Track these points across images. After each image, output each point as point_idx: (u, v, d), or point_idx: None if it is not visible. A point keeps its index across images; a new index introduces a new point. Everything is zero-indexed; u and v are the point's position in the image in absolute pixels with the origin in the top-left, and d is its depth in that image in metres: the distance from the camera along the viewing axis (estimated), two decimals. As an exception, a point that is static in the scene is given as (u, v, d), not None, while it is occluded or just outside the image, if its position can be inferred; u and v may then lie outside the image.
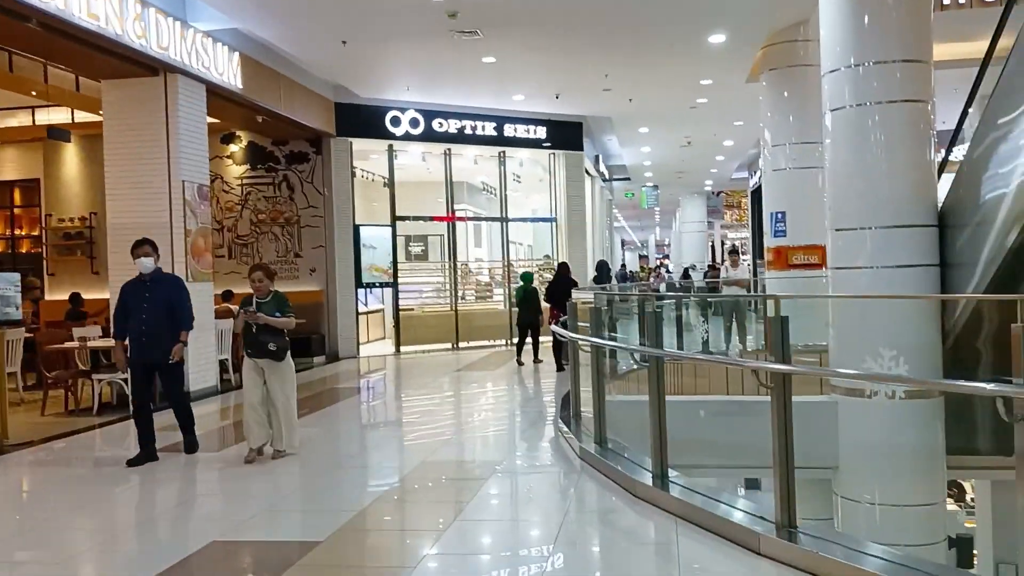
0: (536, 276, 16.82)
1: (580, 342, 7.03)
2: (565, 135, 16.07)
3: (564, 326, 8.94)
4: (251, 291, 6.68)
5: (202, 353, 9.86)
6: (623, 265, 41.20)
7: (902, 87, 7.88)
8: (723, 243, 42.92)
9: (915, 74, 7.89)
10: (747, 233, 51.71)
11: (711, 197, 33.10)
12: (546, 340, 12.68)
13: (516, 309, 13.15)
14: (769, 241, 12.87)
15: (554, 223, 16.54)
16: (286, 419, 6.35)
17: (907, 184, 7.91)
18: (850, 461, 8.25)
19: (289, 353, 6.62)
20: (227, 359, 10.72)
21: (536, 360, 12.66)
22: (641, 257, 63.93)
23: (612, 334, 7.23)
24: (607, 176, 22.68)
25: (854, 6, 7.99)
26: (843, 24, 8.14)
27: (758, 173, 23.81)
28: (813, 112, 12.71)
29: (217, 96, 10.53)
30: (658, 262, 54.19)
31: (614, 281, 17.33)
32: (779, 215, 12.63)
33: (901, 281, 7.96)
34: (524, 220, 17.05)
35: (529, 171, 17.50)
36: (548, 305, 12.34)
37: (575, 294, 9.10)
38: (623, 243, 55.18)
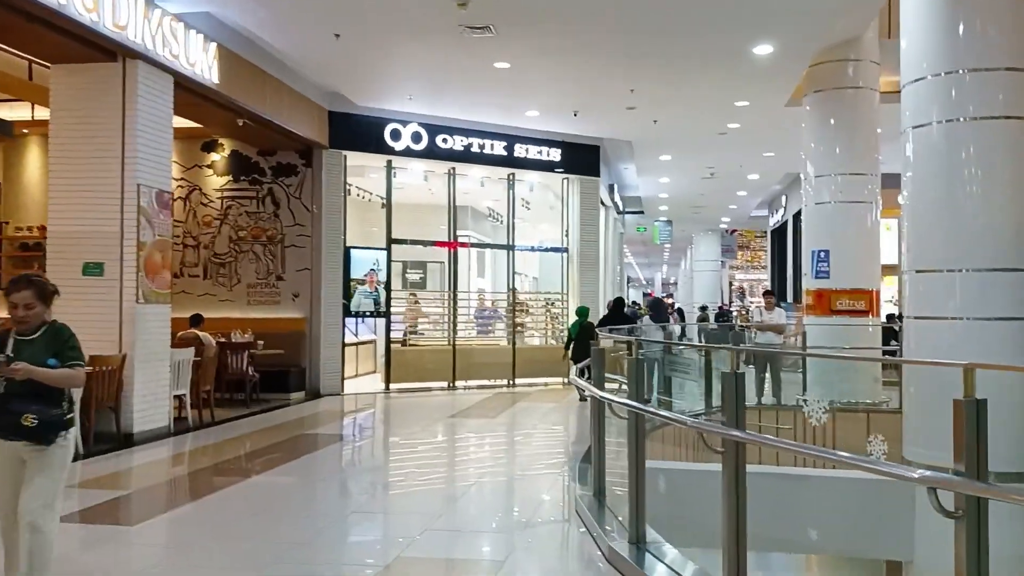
0: (545, 312, 15.39)
1: (611, 403, 5.54)
2: (580, 159, 14.69)
3: (583, 374, 7.52)
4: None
5: (151, 387, 8.37)
6: (634, 303, 39.66)
7: (1005, 100, 6.49)
8: (731, 284, 41.48)
9: (1022, 85, 6.51)
10: (758, 275, 50.42)
11: (724, 236, 31.73)
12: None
13: (571, 344, 12.29)
14: (809, 282, 11.42)
15: (565, 254, 15.11)
16: (36, 545, 3.48)
17: (1008, 217, 6.49)
18: (928, 556, 6.74)
19: (70, 433, 3.68)
20: (184, 394, 9.22)
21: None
22: (645, 295, 62.46)
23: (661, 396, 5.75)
24: (621, 207, 21.30)
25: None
26: (933, 23, 6.77)
27: (780, 211, 22.47)
28: (862, 140, 11.41)
29: (188, 91, 9.16)
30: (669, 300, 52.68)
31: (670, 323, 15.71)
32: (822, 254, 11.20)
33: (998, 337, 6.52)
34: (533, 250, 15.60)
35: (539, 197, 16.11)
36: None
37: (602, 336, 7.64)
38: (628, 280, 53.80)
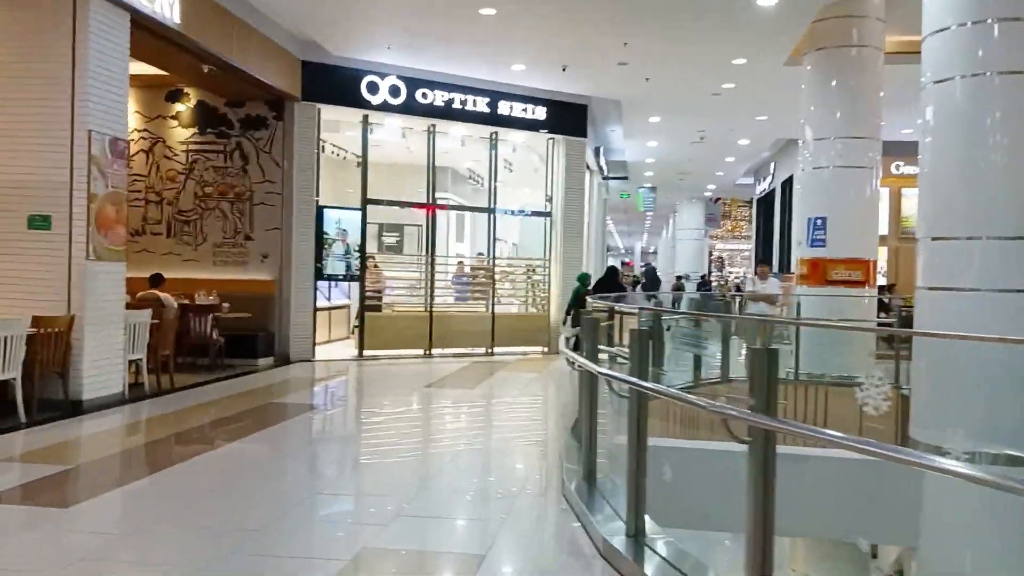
0: (526, 279, 14.84)
1: (606, 378, 5.00)
2: (567, 119, 14.05)
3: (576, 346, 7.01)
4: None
5: (103, 352, 7.74)
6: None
7: (1038, 53, 5.96)
8: (710, 254, 41.11)
9: (1058, 37, 5.97)
10: (738, 245, 50.07)
11: (709, 204, 31.25)
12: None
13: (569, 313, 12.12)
14: (803, 251, 10.94)
15: (548, 219, 14.52)
16: None
17: (1037, 182, 5.99)
18: (935, 543, 6.33)
19: None
20: (141, 359, 8.59)
21: None
22: (624, 263, 62.05)
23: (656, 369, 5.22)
24: (605, 172, 20.69)
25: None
26: (961, -33, 6.21)
27: (767, 179, 21.98)
28: (864, 102, 10.84)
29: (148, 32, 8.43)
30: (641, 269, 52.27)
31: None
32: (818, 221, 10.71)
33: (1017, 310, 6.05)
34: (515, 213, 14.98)
35: (523, 158, 15.45)
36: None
37: (590, 302, 7.11)
38: (607, 248, 53.22)
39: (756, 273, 11.10)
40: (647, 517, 4.03)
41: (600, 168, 19.03)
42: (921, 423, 6.60)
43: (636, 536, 3.92)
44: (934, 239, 6.30)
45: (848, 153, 10.54)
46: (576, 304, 12.08)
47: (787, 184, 19.66)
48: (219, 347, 10.56)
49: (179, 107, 12.04)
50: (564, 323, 12.29)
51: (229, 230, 11.94)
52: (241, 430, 7.13)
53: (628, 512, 3.99)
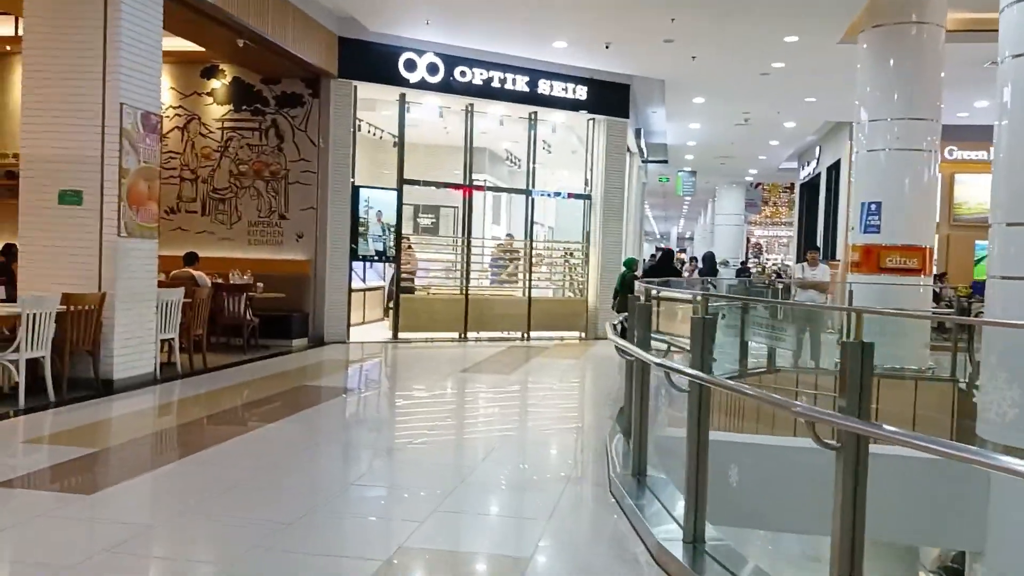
0: (564, 266, 14.52)
1: (659, 367, 4.68)
2: (609, 98, 13.65)
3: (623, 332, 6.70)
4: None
5: (134, 330, 7.58)
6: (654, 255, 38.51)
7: None
8: (747, 240, 40.33)
9: None
10: (777, 232, 49.13)
11: (749, 189, 30.60)
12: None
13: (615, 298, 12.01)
14: (856, 237, 10.48)
15: (587, 201, 14.15)
16: None
17: None
18: (1004, 549, 5.95)
19: None
20: (173, 339, 8.44)
21: None
22: (658, 249, 61.22)
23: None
24: (645, 155, 20.25)
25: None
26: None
27: (812, 164, 21.36)
28: (924, 83, 10.28)
29: (182, 4, 8.22)
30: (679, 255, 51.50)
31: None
32: (873, 206, 10.23)
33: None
34: (555, 195, 14.62)
35: (562, 139, 15.11)
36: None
37: (640, 287, 6.78)
38: (643, 233, 52.50)
39: (805, 260, 10.65)
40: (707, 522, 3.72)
41: (640, 150, 18.61)
42: (989, 420, 6.20)
43: (695, 543, 3.61)
44: (1010, 225, 5.88)
45: (906, 135, 10.04)
46: (623, 289, 11.90)
47: (833, 169, 19.08)
48: (253, 327, 10.41)
49: (214, 84, 11.86)
50: (614, 307, 12.15)
51: (264, 209, 11.76)
52: (273, 413, 6.93)
53: (686, 517, 3.68)
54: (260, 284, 10.72)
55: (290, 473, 5.11)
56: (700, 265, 13.02)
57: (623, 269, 12.48)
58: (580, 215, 15.43)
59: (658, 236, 62.40)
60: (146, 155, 7.66)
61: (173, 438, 6.12)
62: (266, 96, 11.76)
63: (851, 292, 10.19)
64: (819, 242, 20.24)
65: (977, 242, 16.34)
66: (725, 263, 28.12)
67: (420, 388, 8.80)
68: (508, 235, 15.54)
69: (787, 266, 11.10)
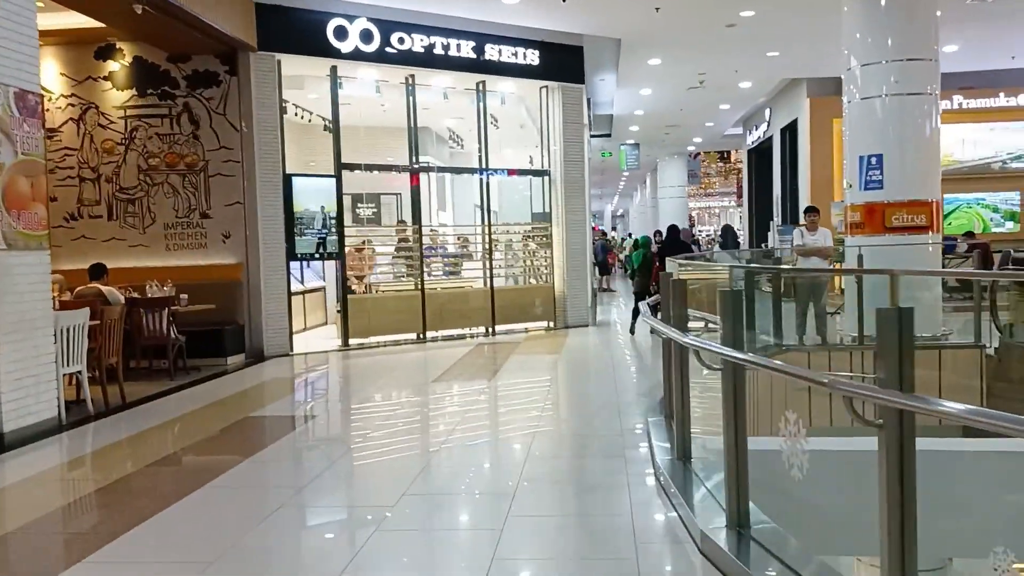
0: (523, 251, 13.25)
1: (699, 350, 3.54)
2: (563, 63, 12.38)
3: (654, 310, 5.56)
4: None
5: (26, 367, 5.99)
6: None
7: None
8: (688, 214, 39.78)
9: None
10: (708, 203, 48.85)
11: (690, 160, 29.79)
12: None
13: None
14: (855, 195, 9.46)
15: (545, 178, 12.88)
16: None
17: None
18: None
19: None
20: (80, 371, 6.85)
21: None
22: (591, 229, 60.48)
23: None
24: (591, 128, 19.08)
25: None
26: None
27: (762, 127, 20.51)
28: (920, 21, 9.40)
29: (59, -43, 6.60)
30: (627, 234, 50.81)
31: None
32: (874, 160, 9.22)
33: None
34: (510, 173, 13.29)
35: (511, 113, 13.80)
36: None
37: (673, 263, 5.60)
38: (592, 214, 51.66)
39: (804, 224, 9.58)
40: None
41: (589, 122, 17.41)
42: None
43: (739, 528, 3.21)
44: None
45: (904, 77, 9.04)
46: (640, 268, 11.81)
47: (788, 130, 18.24)
48: (179, 347, 8.84)
49: (112, 65, 10.15)
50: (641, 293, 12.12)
51: (182, 208, 10.14)
52: (212, 463, 5.44)
53: (728, 500, 2.95)
54: (184, 296, 9.13)
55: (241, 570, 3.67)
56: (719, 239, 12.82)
57: (637, 248, 12.34)
58: (528, 194, 14.18)
59: (592, 215, 61.70)
60: (25, 145, 6.06)
61: (77, 520, 4.58)
62: (175, 76, 10.12)
63: (860, 256, 9.16)
64: (776, 208, 19.43)
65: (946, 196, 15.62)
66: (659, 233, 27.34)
67: (391, 408, 7.37)
68: (487, 222, 14.18)
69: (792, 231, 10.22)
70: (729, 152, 32.67)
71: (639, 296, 11.76)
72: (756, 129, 21.37)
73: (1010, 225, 16.00)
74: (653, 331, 5.15)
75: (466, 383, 8.39)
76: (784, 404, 7.06)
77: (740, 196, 34.73)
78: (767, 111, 19.69)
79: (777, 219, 19.00)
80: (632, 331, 11.62)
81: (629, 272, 12.28)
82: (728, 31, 11.99)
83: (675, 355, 4.48)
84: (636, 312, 11.53)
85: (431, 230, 13.33)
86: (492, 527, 3.89)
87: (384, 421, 6.60)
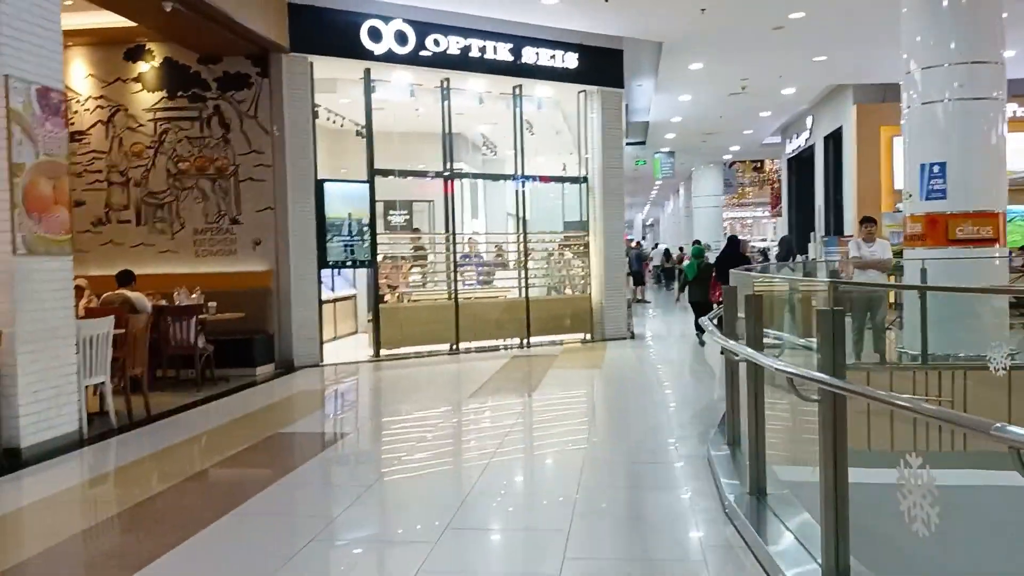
0: (560, 260, 12.85)
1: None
2: (601, 67, 11.98)
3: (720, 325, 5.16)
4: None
5: (47, 379, 5.69)
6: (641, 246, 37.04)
7: None
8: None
9: None
10: (743, 213, 48.04)
11: (726, 169, 29.24)
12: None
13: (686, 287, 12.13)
14: (915, 205, 8.95)
15: (583, 185, 12.47)
16: None
17: None
18: None
19: None
20: (104, 382, 6.55)
21: (704, 341, 11.26)
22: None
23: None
24: (626, 135, 18.64)
25: None
26: None
27: (803, 135, 19.95)
28: (985, 22, 8.92)
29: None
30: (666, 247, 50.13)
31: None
32: (936, 168, 8.72)
33: None
34: (553, 180, 12.92)
35: (546, 118, 13.43)
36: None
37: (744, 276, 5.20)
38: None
39: (861, 235, 9.08)
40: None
41: (624, 129, 16.99)
42: None
43: None
44: None
45: (970, 82, 8.54)
46: (696, 279, 11.68)
47: (832, 139, 17.69)
48: (207, 356, 8.53)
49: (142, 67, 9.92)
50: (676, 300, 12.60)
51: (212, 213, 9.87)
52: (236, 489, 5.05)
53: (826, 557, 2.24)
54: (213, 303, 8.84)
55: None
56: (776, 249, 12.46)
57: (692, 260, 12.11)
58: (560, 202, 13.81)
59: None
60: (47, 145, 5.77)
61: (94, 548, 4.23)
62: (205, 78, 9.86)
63: (924, 270, 8.64)
64: (819, 220, 18.86)
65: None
66: (707, 247, 26.75)
67: (425, 427, 6.98)
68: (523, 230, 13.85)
69: (850, 243, 9.77)
70: (762, 161, 32.07)
71: (696, 307, 11.63)
72: (796, 137, 20.81)
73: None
74: (724, 351, 4.69)
75: (504, 400, 7.99)
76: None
77: (774, 207, 34.12)
78: (809, 119, 19.15)
79: (820, 230, 18.43)
80: (701, 343, 11.46)
81: (680, 283, 12.05)
82: (775, 34, 11.54)
83: (749, 378, 4.05)
84: (698, 323, 11.43)
85: (469, 238, 12.99)
86: (547, 572, 3.48)
87: (419, 442, 6.21)
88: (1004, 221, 8.96)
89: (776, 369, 3.63)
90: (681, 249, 27.61)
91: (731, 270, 9.41)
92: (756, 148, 24.49)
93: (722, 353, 5.10)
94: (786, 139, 21.99)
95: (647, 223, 61.21)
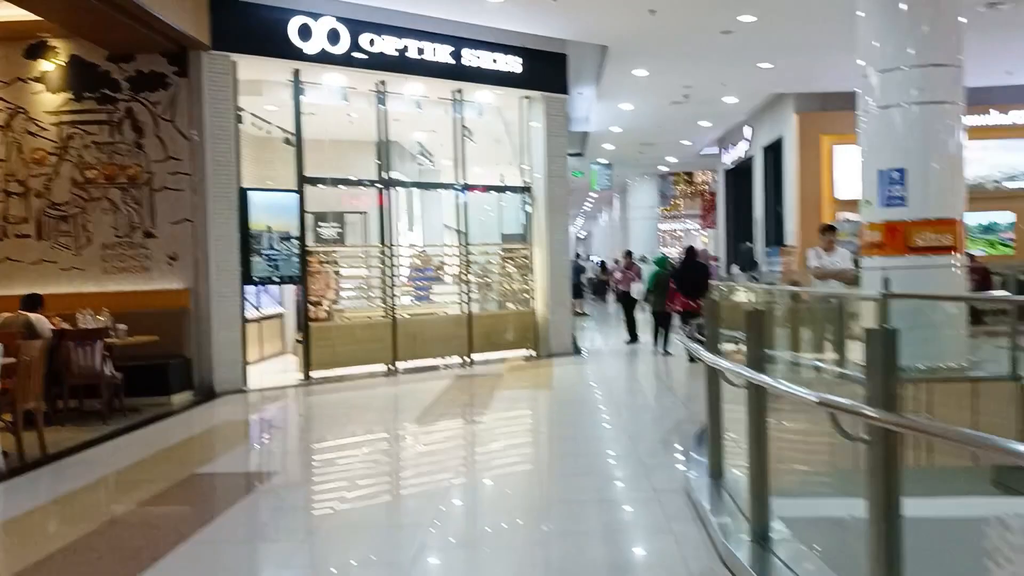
0: (500, 269, 12.27)
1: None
2: (545, 71, 11.48)
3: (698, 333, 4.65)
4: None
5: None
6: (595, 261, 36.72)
7: None
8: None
9: None
10: (673, 225, 48.36)
11: (661, 181, 29.15)
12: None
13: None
14: (873, 213, 8.62)
15: (525, 195, 11.91)
16: None
17: None
18: None
19: None
20: (-11, 421, 5.66)
21: (666, 352, 11.48)
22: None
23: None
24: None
25: None
26: None
27: (741, 145, 19.84)
28: (943, 20, 8.67)
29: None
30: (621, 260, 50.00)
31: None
32: (895, 174, 8.37)
33: None
34: (493, 189, 12.35)
35: (487, 126, 12.85)
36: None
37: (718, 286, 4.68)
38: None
39: (822, 245, 8.71)
40: None
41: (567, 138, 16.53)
42: None
43: None
44: None
45: (928, 84, 8.26)
46: (657, 289, 11.66)
47: (772, 148, 17.56)
48: (114, 385, 7.63)
49: (45, 65, 8.98)
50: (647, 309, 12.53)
51: (122, 226, 8.97)
52: (143, 548, 4.22)
53: None
54: (122, 326, 7.95)
55: None
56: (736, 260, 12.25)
57: (654, 268, 12.18)
58: (497, 214, 13.25)
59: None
60: (-85, 143, 4.89)
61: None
62: (116, 78, 8.98)
63: (887, 279, 8.29)
64: (758, 231, 18.71)
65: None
66: (643, 259, 26.53)
67: (367, 463, 6.24)
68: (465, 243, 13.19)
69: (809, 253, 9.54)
70: (692, 173, 32.17)
71: (656, 317, 11.81)
72: (734, 148, 20.71)
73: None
74: (710, 372, 4.16)
75: (450, 430, 7.33)
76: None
77: (706, 218, 34.22)
78: (747, 129, 19.03)
79: (760, 240, 18.27)
80: (667, 353, 11.57)
81: (645, 295, 12.38)
82: (722, 39, 11.19)
83: (751, 406, 3.50)
84: (656, 333, 11.75)
85: (419, 250, 12.32)
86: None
87: (359, 480, 5.49)
88: (962, 229, 8.72)
89: (801, 397, 3.07)
90: (617, 262, 27.37)
91: (738, 275, 8.95)
92: (693, 159, 24.37)
93: (706, 368, 4.57)
94: (723, 150, 21.89)
95: (579, 236, 61.25)
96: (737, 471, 4.43)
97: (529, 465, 5.90)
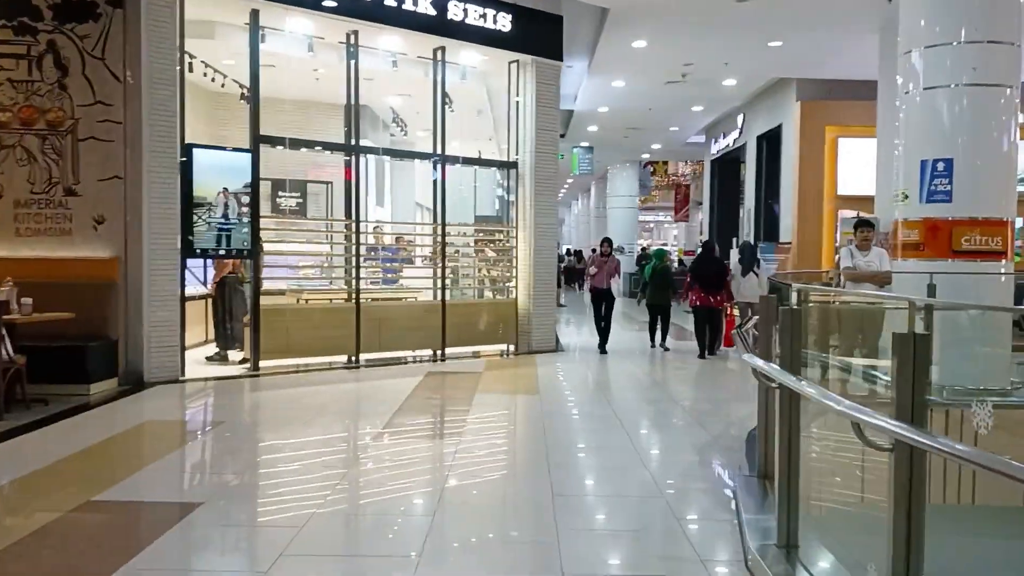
0: (478, 253, 11.09)
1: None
2: (538, 33, 10.26)
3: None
4: None
5: None
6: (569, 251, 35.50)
7: None
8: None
9: None
10: (652, 217, 47.35)
11: (642, 170, 28.08)
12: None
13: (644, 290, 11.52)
14: (911, 209, 7.55)
15: (511, 171, 10.69)
16: None
17: None
18: None
19: None
20: None
21: (664, 347, 10.91)
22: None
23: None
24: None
25: None
26: None
27: (732, 135, 18.80)
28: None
29: None
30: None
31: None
32: (940, 165, 7.28)
33: None
34: (476, 163, 11.12)
35: (469, 93, 11.62)
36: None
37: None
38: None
39: (856, 243, 7.61)
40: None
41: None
42: None
43: None
44: None
45: (985, 64, 7.19)
46: (653, 283, 10.95)
47: (768, 138, 16.52)
48: (16, 373, 6.29)
49: (-49, -15, 7.54)
50: (639, 303, 11.79)
51: (40, 180, 7.58)
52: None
53: None
54: (27, 300, 6.60)
55: None
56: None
57: (652, 260, 11.32)
58: (472, 194, 12.03)
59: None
60: None
61: None
62: (37, 5, 7.57)
63: (933, 284, 7.24)
64: (748, 225, 17.70)
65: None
66: (620, 249, 25.46)
67: (328, 481, 5.01)
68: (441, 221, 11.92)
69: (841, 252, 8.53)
70: (667, 163, 31.17)
71: (651, 311, 11.06)
72: (724, 137, 19.63)
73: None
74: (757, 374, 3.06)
75: (425, 438, 6.12)
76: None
77: (678, 211, 33.22)
78: (740, 117, 17.97)
79: (748, 235, 17.25)
80: (665, 348, 10.97)
81: (641, 287, 11.70)
82: (736, 9, 10.04)
83: (783, 409, 2.39)
84: (653, 328, 11.06)
85: (376, 227, 11.04)
86: None
87: (320, 509, 4.25)
88: (1012, 231, 7.70)
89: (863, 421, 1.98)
90: (594, 251, 26.30)
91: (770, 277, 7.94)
92: (678, 147, 23.26)
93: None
94: (711, 139, 20.83)
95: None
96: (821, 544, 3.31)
97: (516, 486, 4.72)
